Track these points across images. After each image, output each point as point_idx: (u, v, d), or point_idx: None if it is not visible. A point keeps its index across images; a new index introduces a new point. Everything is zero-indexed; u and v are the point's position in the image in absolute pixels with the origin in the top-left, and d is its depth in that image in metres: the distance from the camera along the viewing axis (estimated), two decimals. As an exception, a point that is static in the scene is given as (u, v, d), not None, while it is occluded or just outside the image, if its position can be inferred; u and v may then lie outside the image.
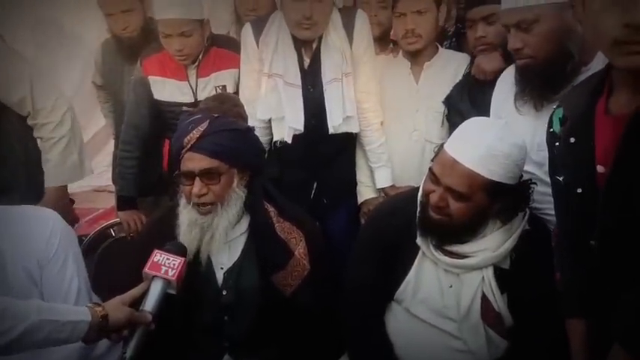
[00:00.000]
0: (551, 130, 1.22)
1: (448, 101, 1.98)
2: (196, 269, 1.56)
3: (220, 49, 2.15)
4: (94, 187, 3.28)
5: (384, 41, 2.25)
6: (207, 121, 1.49)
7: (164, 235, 1.50)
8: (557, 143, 1.18)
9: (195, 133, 1.47)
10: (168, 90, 2.15)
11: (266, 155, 1.94)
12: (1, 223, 1.37)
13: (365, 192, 2.13)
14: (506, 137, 1.38)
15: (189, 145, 1.47)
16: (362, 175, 2.14)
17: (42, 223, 1.42)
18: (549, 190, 1.33)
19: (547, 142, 1.25)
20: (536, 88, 1.49)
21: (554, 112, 1.23)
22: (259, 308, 1.61)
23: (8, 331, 1.06)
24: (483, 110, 1.73)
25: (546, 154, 1.31)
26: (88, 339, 1.18)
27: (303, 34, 1.91)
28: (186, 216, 1.54)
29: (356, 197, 2.16)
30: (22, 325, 1.08)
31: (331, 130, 1.97)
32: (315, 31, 1.91)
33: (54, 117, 2.04)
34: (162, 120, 2.20)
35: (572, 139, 1.10)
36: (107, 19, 2.33)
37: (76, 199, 2.33)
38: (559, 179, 1.20)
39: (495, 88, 1.73)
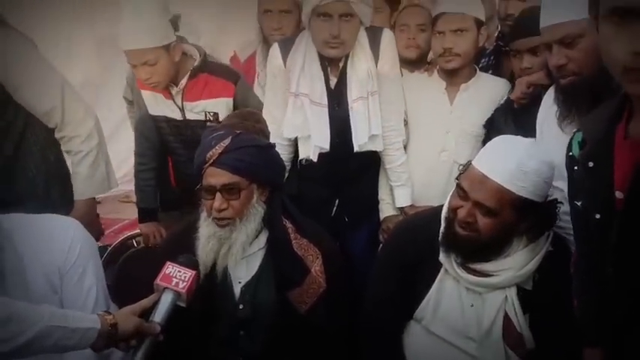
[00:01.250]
0: (570, 153, 1.18)
1: (490, 125, 1.93)
2: (214, 282, 1.54)
3: (212, 76, 2.09)
4: (120, 196, 3.25)
5: (421, 63, 2.22)
6: (230, 138, 1.50)
7: (183, 248, 1.49)
8: (575, 167, 1.15)
9: (217, 149, 1.48)
10: (159, 105, 2.14)
11: (287, 172, 1.93)
12: (23, 231, 1.37)
13: (386, 209, 2.09)
14: (536, 154, 1.36)
15: (212, 161, 1.48)
16: (383, 193, 2.10)
17: (63, 232, 1.41)
18: None
19: (566, 166, 1.21)
20: (582, 107, 1.43)
21: (573, 135, 1.20)
22: (275, 324, 1.57)
23: (17, 336, 1.05)
24: (529, 132, 1.65)
25: None
26: (97, 346, 1.16)
27: (331, 52, 1.90)
28: (205, 229, 1.54)
29: (378, 216, 2.11)
30: (32, 330, 1.07)
31: (356, 149, 1.94)
32: (342, 49, 1.90)
33: (83, 130, 2.02)
34: (160, 135, 2.19)
35: (591, 164, 1.07)
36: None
37: (103, 209, 2.33)
38: (577, 204, 1.16)
39: (540, 107, 1.68)
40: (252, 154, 1.50)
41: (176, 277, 1.27)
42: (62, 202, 2.06)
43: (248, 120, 1.70)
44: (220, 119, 2.05)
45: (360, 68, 1.94)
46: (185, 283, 1.26)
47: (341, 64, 1.95)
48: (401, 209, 2.06)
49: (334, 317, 1.63)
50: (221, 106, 2.09)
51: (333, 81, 1.97)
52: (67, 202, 2.06)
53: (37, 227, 1.40)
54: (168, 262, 1.29)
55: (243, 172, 1.48)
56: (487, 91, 2.00)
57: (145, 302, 1.25)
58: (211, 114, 2.08)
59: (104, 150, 2.08)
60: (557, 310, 1.38)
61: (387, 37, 1.98)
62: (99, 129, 2.07)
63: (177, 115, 2.11)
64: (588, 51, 1.37)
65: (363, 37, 1.95)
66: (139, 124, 2.20)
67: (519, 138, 1.41)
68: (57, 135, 2.03)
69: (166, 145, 2.21)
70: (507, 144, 1.39)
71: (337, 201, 2.05)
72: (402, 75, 2.08)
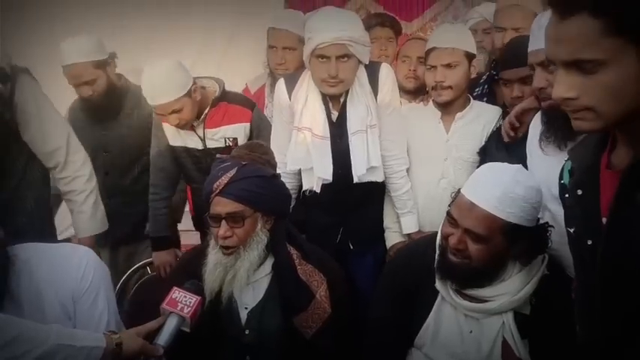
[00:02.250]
0: (562, 181, 1.19)
1: (484, 152, 1.95)
2: (220, 308, 1.57)
3: (231, 104, 2.19)
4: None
5: (420, 93, 2.27)
6: (236, 169, 1.55)
7: (192, 274, 1.53)
8: (566, 195, 1.15)
9: (224, 179, 1.53)
10: (181, 136, 2.21)
11: (293, 200, 1.96)
12: (39, 259, 1.42)
13: (392, 237, 2.10)
14: (523, 180, 1.36)
15: (218, 190, 1.53)
16: (389, 221, 2.11)
17: (76, 259, 1.46)
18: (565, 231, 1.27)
19: (559, 194, 1.22)
20: (560, 128, 1.44)
21: (564, 164, 1.20)
22: (281, 349, 1.58)
23: (25, 354, 1.08)
24: (520, 158, 1.66)
25: None
26: None
27: (329, 90, 1.96)
28: (213, 256, 1.58)
29: (383, 243, 2.12)
30: (40, 349, 1.09)
31: (356, 180, 1.97)
32: (341, 87, 1.95)
33: (85, 170, 2.10)
34: (180, 165, 2.26)
35: (580, 192, 1.07)
36: (74, 87, 2.37)
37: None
38: (571, 231, 1.16)
39: (529, 128, 1.69)
40: (257, 184, 1.54)
41: (181, 302, 1.29)
42: (51, 237, 2.13)
43: (255, 151, 1.75)
44: (239, 144, 2.13)
45: (359, 103, 1.98)
46: (190, 309, 1.29)
47: (342, 99, 2.00)
48: (408, 236, 2.06)
49: (339, 342, 1.63)
50: (239, 132, 2.17)
51: (335, 115, 2.01)
52: (54, 237, 2.15)
53: (52, 255, 1.45)
54: (175, 287, 1.33)
55: (247, 201, 1.52)
56: (481, 119, 2.03)
57: (150, 325, 1.27)
58: (230, 139, 2.16)
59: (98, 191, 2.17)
60: (557, 335, 1.36)
61: (385, 71, 2.02)
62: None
63: (199, 145, 2.18)
64: None
65: (361, 73, 1.99)
66: (156, 157, 2.27)
67: (506, 165, 1.41)
68: (58, 175, 2.09)
69: (186, 175, 2.28)
70: (494, 171, 1.40)
71: (342, 229, 2.07)
72: (401, 104, 2.12)
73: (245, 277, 1.55)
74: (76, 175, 2.09)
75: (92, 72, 2.31)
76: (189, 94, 2.08)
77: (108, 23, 3.16)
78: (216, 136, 2.17)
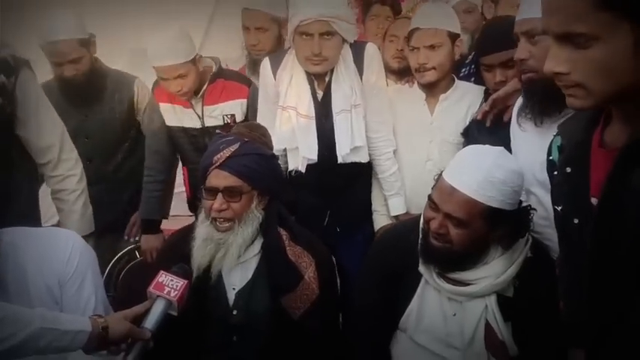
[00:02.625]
0: (550, 157, 1.16)
1: (467, 133, 1.92)
2: (208, 288, 1.57)
3: (228, 81, 2.18)
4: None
5: (406, 74, 2.21)
6: (238, 144, 1.55)
7: (179, 256, 1.52)
8: (555, 172, 1.13)
9: (225, 152, 1.53)
10: (177, 115, 2.20)
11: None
12: (25, 243, 1.41)
13: (380, 220, 2.09)
14: (504, 164, 1.34)
15: (218, 163, 1.52)
16: (377, 204, 2.10)
17: (63, 243, 1.45)
18: (551, 214, 1.25)
19: (547, 170, 1.19)
20: (537, 103, 1.41)
21: (553, 139, 1.17)
22: (268, 330, 1.59)
23: (9, 338, 1.08)
24: (503, 140, 1.62)
25: None
26: (88, 348, 1.18)
27: (313, 69, 1.93)
28: (203, 231, 1.57)
29: (372, 225, 2.12)
30: (24, 333, 1.09)
31: (340, 160, 1.96)
32: (324, 66, 1.92)
33: (77, 170, 2.04)
34: (176, 146, 2.24)
35: (569, 169, 1.04)
36: (54, 67, 2.22)
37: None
38: (557, 208, 1.14)
39: (514, 109, 1.63)
40: (257, 161, 1.55)
41: (168, 285, 1.28)
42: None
43: (255, 131, 1.74)
44: (237, 121, 2.12)
45: (343, 83, 1.95)
46: (177, 292, 1.28)
47: (327, 78, 1.97)
48: (396, 218, 2.05)
49: (327, 323, 1.64)
50: (237, 108, 2.16)
51: (320, 94, 1.98)
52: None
53: (38, 239, 1.44)
54: (162, 271, 1.32)
55: (246, 177, 1.53)
56: (465, 100, 1.99)
57: (137, 308, 1.27)
58: (229, 116, 2.14)
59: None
60: (540, 317, 1.36)
61: (371, 50, 1.99)
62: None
63: (197, 124, 2.17)
64: (548, 50, 1.35)
65: (347, 53, 1.96)
66: (151, 139, 2.25)
67: (487, 148, 1.39)
68: (51, 172, 2.03)
69: (182, 156, 2.26)
70: (474, 155, 1.38)
71: (329, 211, 2.06)
72: (387, 85, 2.08)
73: (236, 254, 1.54)
74: (70, 173, 2.03)
75: (78, 50, 2.20)
76: (194, 61, 2.07)
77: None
78: (214, 113, 2.16)
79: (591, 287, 1.01)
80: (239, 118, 2.15)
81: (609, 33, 0.81)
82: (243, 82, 2.20)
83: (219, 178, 1.52)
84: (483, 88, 1.99)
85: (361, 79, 1.96)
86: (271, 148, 1.76)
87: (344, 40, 1.92)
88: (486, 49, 1.80)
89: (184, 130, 2.19)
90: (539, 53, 1.34)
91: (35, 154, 2.00)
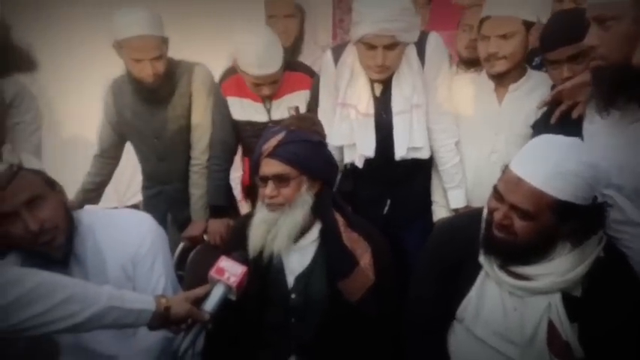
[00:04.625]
0: None
1: (536, 125, 1.77)
2: (268, 271, 1.56)
3: (293, 72, 2.14)
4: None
5: (479, 63, 2.05)
6: (284, 132, 1.55)
7: (241, 241, 1.53)
8: None
9: (272, 142, 1.53)
10: (245, 109, 2.18)
11: (340, 171, 1.90)
12: (102, 224, 1.47)
13: (439, 212, 2.00)
14: (575, 154, 1.21)
15: (267, 152, 1.53)
16: (436, 195, 2.00)
17: (137, 225, 1.51)
18: (627, 217, 1.13)
19: None
20: (604, 93, 1.27)
21: None
22: (326, 313, 1.56)
23: (78, 313, 1.12)
24: (574, 134, 1.47)
25: (627, 177, 1.16)
26: (152, 325, 1.21)
27: (375, 77, 1.85)
28: (259, 214, 1.58)
29: (431, 217, 2.02)
30: (91, 310, 1.13)
31: (397, 158, 1.88)
32: (387, 74, 1.84)
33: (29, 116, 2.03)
34: (241, 138, 2.23)
35: None
36: (132, 64, 2.11)
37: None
38: None
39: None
40: (304, 147, 1.53)
41: (229, 270, 1.29)
42: None
43: (304, 122, 1.71)
44: (301, 112, 2.08)
45: (405, 83, 1.86)
46: (236, 278, 1.28)
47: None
48: (455, 211, 1.95)
49: (383, 311, 1.58)
50: (300, 99, 2.13)
51: (379, 89, 1.90)
52: None
53: (113, 220, 1.50)
54: (223, 256, 1.33)
55: (293, 163, 1.51)
56: (537, 91, 1.82)
57: (198, 291, 1.28)
58: (292, 108, 2.11)
59: None
60: (609, 321, 1.23)
61: (433, 42, 1.88)
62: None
63: (264, 118, 2.15)
64: (619, 36, 1.19)
65: (410, 51, 1.86)
66: (218, 131, 2.23)
67: (559, 138, 1.26)
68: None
69: (247, 147, 2.27)
70: (544, 145, 1.26)
71: (389, 201, 1.99)
72: (457, 73, 1.96)
73: (286, 235, 1.52)
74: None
75: (161, 48, 2.10)
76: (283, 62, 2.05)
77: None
78: (281, 106, 2.14)
79: None
80: (302, 109, 2.11)
81: None
82: (307, 72, 2.16)
83: (268, 166, 1.52)
84: None
85: (423, 70, 1.86)
86: (323, 135, 1.72)
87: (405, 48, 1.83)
88: (552, 43, 1.65)
89: (250, 123, 2.18)
90: (611, 40, 1.21)
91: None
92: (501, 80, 1.88)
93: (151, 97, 2.20)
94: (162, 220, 2.25)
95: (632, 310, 1.24)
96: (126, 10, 2.09)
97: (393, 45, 1.78)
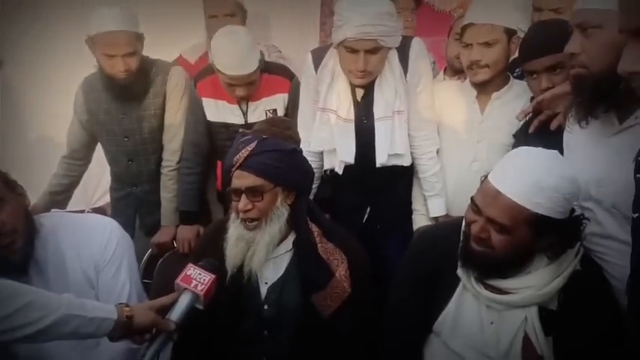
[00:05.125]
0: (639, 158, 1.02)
1: (517, 135, 1.75)
2: (241, 282, 1.51)
3: (270, 74, 2.10)
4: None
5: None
6: (255, 142, 1.48)
7: (212, 249, 1.48)
8: (638, 175, 0.99)
9: (243, 153, 1.47)
10: (220, 111, 2.12)
11: (319, 178, 1.87)
12: (65, 230, 1.42)
13: (419, 220, 1.97)
14: (555, 169, 1.19)
15: (238, 164, 1.47)
16: (417, 204, 1.98)
17: (101, 229, 1.45)
18: (605, 230, 1.11)
19: (634, 171, 1.06)
20: (584, 101, 1.25)
21: None
22: (299, 326, 1.52)
23: (36, 322, 1.06)
24: (555, 145, 1.44)
25: (606, 190, 1.14)
26: (113, 336, 1.15)
27: (356, 82, 1.82)
28: (234, 230, 1.52)
29: (411, 225, 1.99)
30: (50, 318, 1.07)
31: (378, 165, 1.85)
32: (368, 78, 1.81)
33: None
34: (214, 141, 2.18)
35: None
36: (104, 60, 2.06)
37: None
38: (634, 216, 1.02)
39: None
40: (276, 158, 1.47)
41: (196, 279, 1.24)
42: None
43: (277, 126, 1.67)
44: (279, 115, 2.04)
45: (387, 88, 1.83)
46: (204, 286, 1.23)
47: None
48: (435, 219, 1.92)
49: (358, 323, 1.54)
50: (278, 103, 2.08)
51: (360, 93, 1.87)
52: None
53: (77, 224, 1.45)
54: (190, 264, 1.27)
55: (266, 174, 1.46)
56: (520, 100, 1.80)
57: (164, 299, 1.23)
58: (270, 111, 2.07)
59: None
60: (584, 335, 1.22)
61: (416, 47, 1.85)
62: None
63: (240, 120, 2.10)
64: (601, 45, 1.17)
65: (392, 56, 1.83)
66: (191, 133, 2.18)
67: (539, 150, 1.23)
68: None
69: (219, 151, 2.19)
70: (524, 158, 1.23)
71: (369, 209, 1.95)
72: (444, 79, 1.94)
73: (264, 251, 1.48)
74: None
75: (134, 44, 2.06)
76: (260, 64, 2.01)
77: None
78: (258, 109, 2.09)
79: None
80: (280, 112, 2.07)
81: None
82: (286, 75, 2.11)
83: (240, 179, 1.46)
84: None
85: (405, 77, 1.84)
86: (297, 141, 1.68)
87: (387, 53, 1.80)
88: (530, 53, 1.62)
89: (226, 125, 2.12)
90: (592, 48, 1.19)
91: None
92: (484, 88, 1.87)
93: (123, 95, 2.15)
94: (130, 224, 2.22)
95: (606, 324, 1.23)
96: (103, 6, 2.06)
97: (375, 49, 1.75)
